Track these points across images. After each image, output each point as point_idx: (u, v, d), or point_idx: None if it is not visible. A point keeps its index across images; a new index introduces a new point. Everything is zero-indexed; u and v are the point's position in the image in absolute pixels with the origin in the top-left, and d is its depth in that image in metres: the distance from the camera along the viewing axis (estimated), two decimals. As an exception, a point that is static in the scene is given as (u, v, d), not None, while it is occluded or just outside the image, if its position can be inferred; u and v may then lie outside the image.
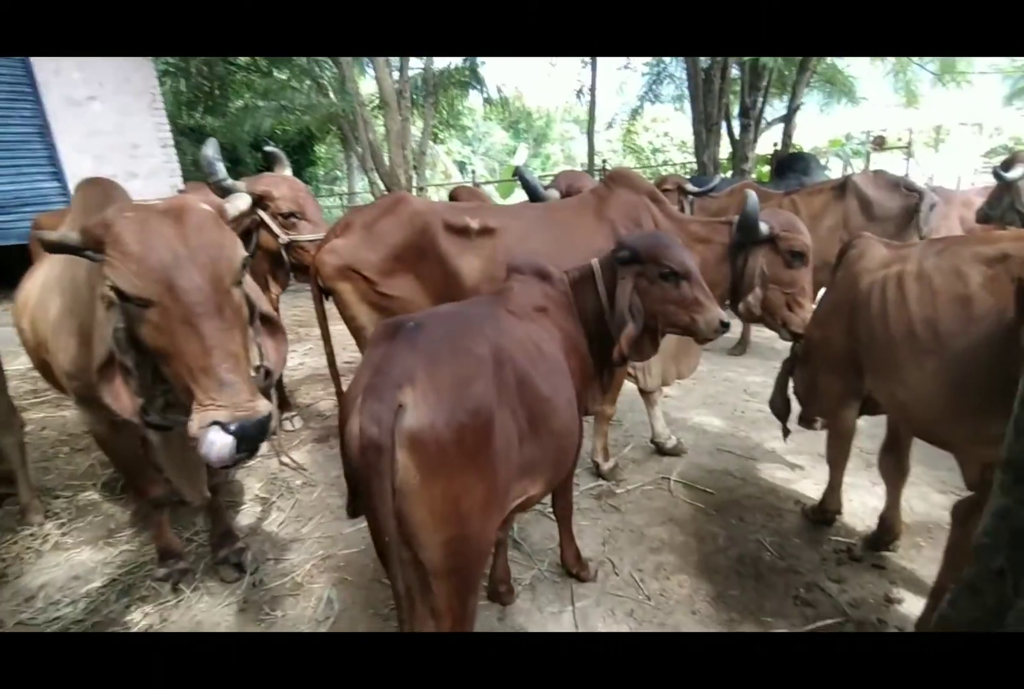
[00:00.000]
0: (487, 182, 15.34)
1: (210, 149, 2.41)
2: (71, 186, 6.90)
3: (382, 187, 10.66)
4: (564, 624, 2.11)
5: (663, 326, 1.98)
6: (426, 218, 2.56)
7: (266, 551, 2.54)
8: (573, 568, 2.32)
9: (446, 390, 1.28)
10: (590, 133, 12.63)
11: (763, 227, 2.55)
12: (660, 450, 3.31)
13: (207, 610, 2.21)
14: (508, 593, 2.21)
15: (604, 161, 13.27)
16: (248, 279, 1.75)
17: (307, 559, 2.48)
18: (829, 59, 10.94)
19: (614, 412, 3.11)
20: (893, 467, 2.38)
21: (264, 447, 3.47)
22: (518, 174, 3.48)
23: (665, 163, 19.15)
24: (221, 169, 2.44)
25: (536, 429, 1.53)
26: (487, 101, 13.87)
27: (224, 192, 2.65)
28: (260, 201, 2.87)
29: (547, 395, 1.58)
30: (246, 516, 2.83)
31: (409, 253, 2.55)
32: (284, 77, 13.16)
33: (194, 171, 12.56)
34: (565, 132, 28.98)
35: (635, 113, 14.20)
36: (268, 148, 3.28)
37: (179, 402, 1.61)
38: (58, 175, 7.06)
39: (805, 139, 13.96)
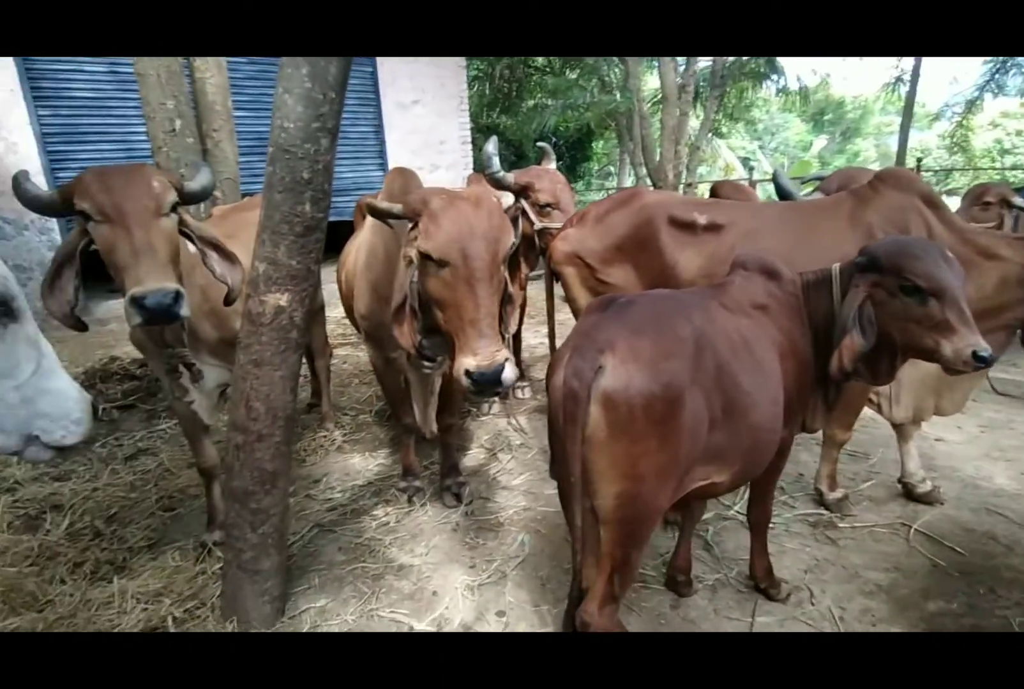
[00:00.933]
0: (762, 179, 14.41)
1: (490, 145, 2.88)
2: (391, 175, 8.48)
3: (649, 183, 10.80)
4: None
5: (901, 347, 1.79)
6: (653, 211, 2.67)
7: (481, 491, 2.97)
8: (762, 582, 2.25)
9: (643, 360, 1.45)
10: (904, 127, 11.10)
11: None
12: (908, 493, 2.87)
13: (427, 522, 2.71)
14: (686, 585, 2.24)
15: (919, 160, 11.51)
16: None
17: (511, 506, 2.84)
18: None
19: (847, 438, 2.77)
20: None
21: (496, 407, 3.98)
22: (774, 177, 3.34)
23: (1015, 167, 15.79)
24: (496, 163, 2.88)
25: (730, 418, 1.59)
26: (781, 92, 13.02)
27: (496, 183, 3.13)
28: (523, 191, 3.28)
29: (746, 388, 1.62)
30: (471, 459, 3.32)
31: (630, 244, 2.69)
32: (574, 76, 13.99)
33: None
34: (884, 125, 25.36)
35: (971, 106, 12.03)
36: (540, 144, 3.68)
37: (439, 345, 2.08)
38: (383, 165, 8.64)
39: None
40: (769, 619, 2.15)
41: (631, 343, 1.46)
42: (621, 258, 2.75)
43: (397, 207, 1.91)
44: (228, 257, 2.06)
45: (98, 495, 2.83)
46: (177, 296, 1.76)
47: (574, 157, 17.68)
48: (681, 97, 9.77)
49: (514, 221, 3.35)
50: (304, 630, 2.03)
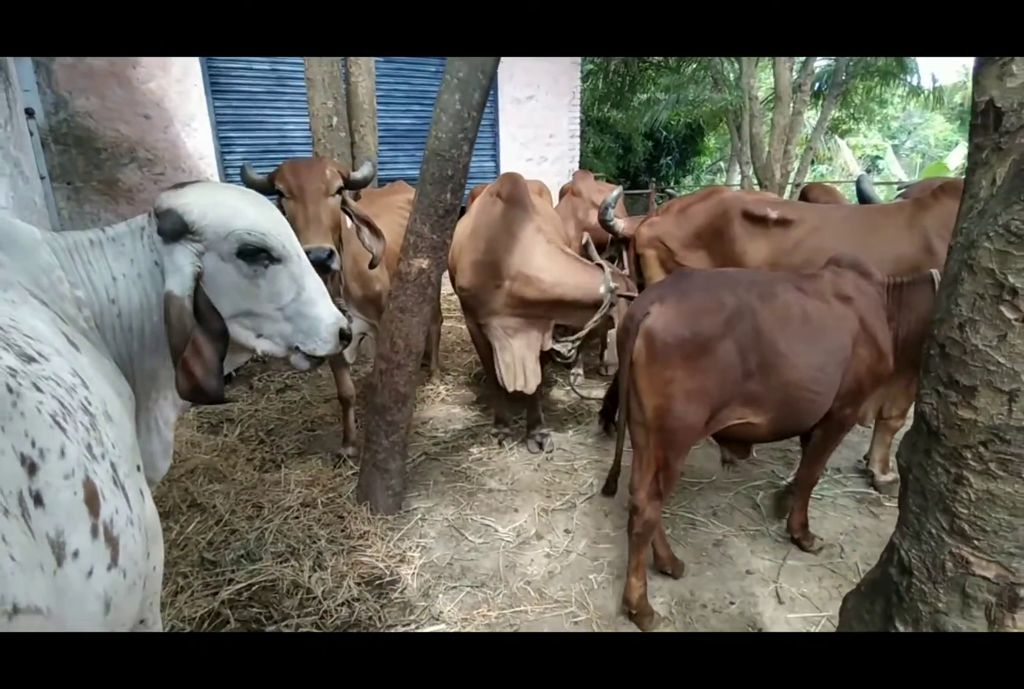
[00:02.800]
0: (882, 183, 13.78)
1: (611, 196, 3.41)
2: (503, 165, 9.06)
3: (755, 181, 10.76)
4: (764, 570, 2.43)
5: None
6: (729, 204, 3.05)
7: (560, 443, 3.47)
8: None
9: (681, 314, 1.94)
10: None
11: None
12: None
13: (514, 462, 3.24)
14: (804, 539, 2.53)
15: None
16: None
17: (585, 457, 3.32)
18: None
19: (900, 425, 2.96)
20: None
21: (580, 379, 4.41)
22: (857, 184, 3.58)
23: None
24: (612, 213, 3.42)
25: (765, 372, 2.01)
26: (913, 93, 12.41)
27: (607, 228, 3.55)
28: (627, 241, 3.58)
29: (784, 352, 2.03)
30: (555, 418, 3.82)
31: (707, 232, 3.08)
32: (688, 71, 13.98)
33: (591, 157, 14.54)
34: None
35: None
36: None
37: None
38: (495, 157, 9.23)
39: None
40: (798, 563, 2.49)
41: (676, 300, 1.97)
42: (698, 244, 3.15)
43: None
44: (375, 232, 2.61)
45: (259, 415, 3.59)
46: (331, 254, 2.31)
47: (684, 151, 17.59)
48: (796, 96, 9.68)
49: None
50: (415, 521, 2.63)
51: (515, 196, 2.96)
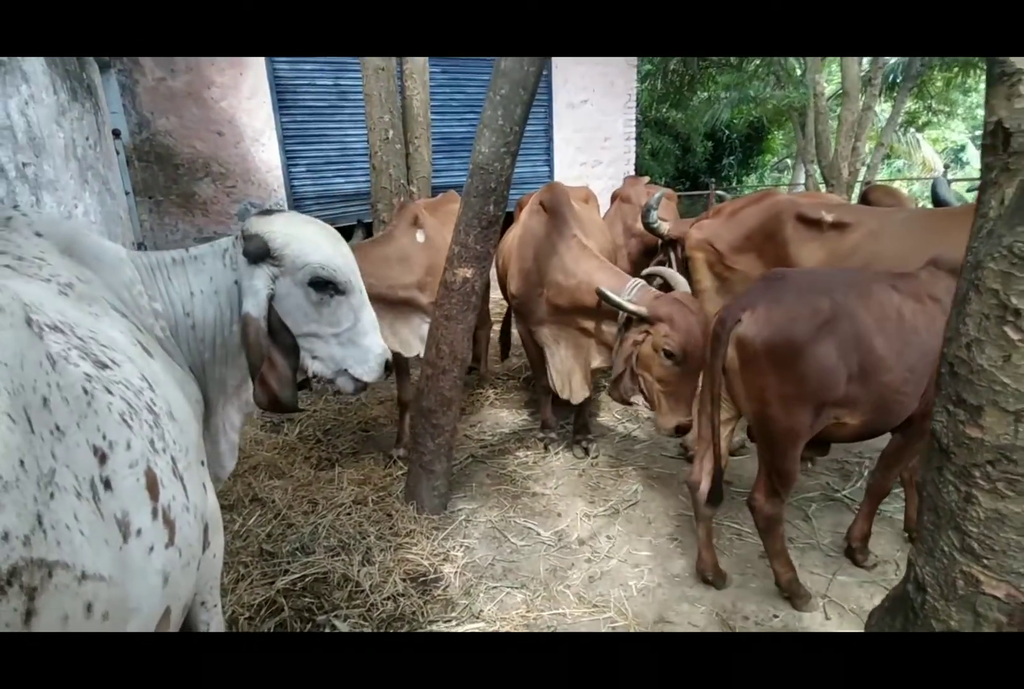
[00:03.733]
0: (964, 179, 12.98)
1: (653, 200, 3.41)
2: (557, 170, 9.10)
3: (820, 180, 10.39)
4: (813, 584, 2.36)
5: None
6: (782, 207, 2.98)
7: (605, 449, 3.49)
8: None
9: (773, 321, 1.96)
10: None
11: None
12: None
13: (559, 466, 3.29)
14: (859, 552, 2.47)
15: None
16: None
17: (631, 464, 3.33)
18: None
19: None
20: None
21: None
22: (933, 187, 3.41)
23: None
24: (654, 215, 3.43)
25: (864, 374, 1.98)
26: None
27: (651, 230, 3.54)
28: (673, 243, 3.56)
29: (881, 353, 2.00)
30: (601, 425, 3.84)
31: (758, 235, 3.02)
32: (751, 69, 13.62)
33: (648, 159, 14.38)
34: None
35: None
36: (719, 193, 3.98)
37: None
38: (549, 161, 9.28)
39: None
40: (849, 579, 2.42)
41: (767, 307, 1.99)
42: (748, 247, 3.09)
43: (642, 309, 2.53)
44: None
45: (316, 415, 3.78)
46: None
47: (747, 150, 17.14)
48: (866, 91, 9.30)
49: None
50: (459, 521, 2.73)
51: (553, 205, 3.01)
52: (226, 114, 6.09)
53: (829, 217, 2.86)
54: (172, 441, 1.11)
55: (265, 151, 6.49)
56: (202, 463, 1.28)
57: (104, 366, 1.03)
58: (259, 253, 1.44)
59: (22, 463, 0.66)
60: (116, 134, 4.24)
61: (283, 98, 6.72)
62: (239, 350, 1.50)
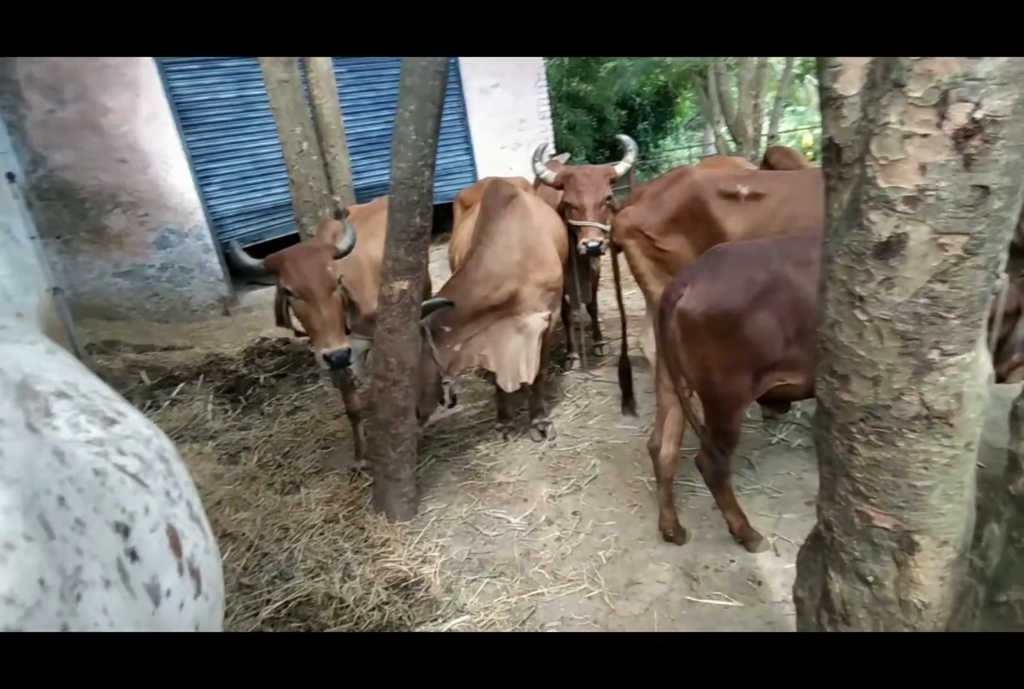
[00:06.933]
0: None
1: (538, 161, 3.56)
2: (478, 158, 9.12)
3: (728, 138, 10.77)
4: (762, 526, 2.61)
5: None
6: (701, 186, 3.16)
7: (562, 428, 3.64)
8: None
9: (711, 294, 2.13)
10: None
11: None
12: None
13: (519, 453, 3.42)
14: None
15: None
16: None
17: (587, 440, 3.49)
18: None
19: None
20: None
21: (577, 364, 4.58)
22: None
23: None
24: (539, 168, 3.64)
25: (802, 337, 2.11)
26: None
27: (541, 180, 3.72)
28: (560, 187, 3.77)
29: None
30: (555, 405, 3.99)
31: (684, 215, 3.19)
32: (651, 36, 13.82)
33: (566, 133, 14.49)
34: None
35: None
36: (620, 137, 4.09)
37: None
38: (469, 149, 9.28)
39: None
40: (793, 516, 2.68)
41: (706, 281, 2.16)
42: (676, 229, 3.25)
43: None
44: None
45: (273, 439, 3.79)
46: (348, 351, 2.57)
47: (659, 115, 17.49)
48: (759, 49, 9.64)
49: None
50: (431, 522, 2.83)
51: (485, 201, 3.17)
52: (126, 140, 5.85)
53: (744, 190, 3.07)
54: (184, 483, 1.10)
55: (174, 174, 6.28)
56: None
57: (112, 422, 1.01)
58: None
59: (42, 582, 0.64)
60: (10, 177, 4.05)
61: (185, 116, 6.50)
62: None
